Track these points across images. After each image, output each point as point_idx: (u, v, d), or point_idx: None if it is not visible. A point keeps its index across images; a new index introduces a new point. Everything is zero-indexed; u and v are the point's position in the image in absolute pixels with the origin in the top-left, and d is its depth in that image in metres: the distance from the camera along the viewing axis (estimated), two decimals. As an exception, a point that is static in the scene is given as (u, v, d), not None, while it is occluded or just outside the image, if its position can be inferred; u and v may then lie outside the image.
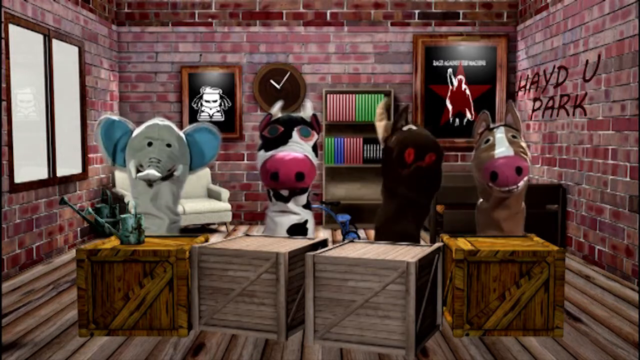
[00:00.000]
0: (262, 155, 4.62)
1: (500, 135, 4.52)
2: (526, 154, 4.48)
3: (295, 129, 4.66)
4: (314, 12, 7.95)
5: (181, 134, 4.67)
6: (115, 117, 4.64)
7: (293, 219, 4.69)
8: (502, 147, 4.45)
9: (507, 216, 4.55)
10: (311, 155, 4.67)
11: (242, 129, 8.04)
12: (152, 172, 4.30)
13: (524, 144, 4.56)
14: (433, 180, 4.60)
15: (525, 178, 4.40)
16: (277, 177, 4.37)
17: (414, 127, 4.74)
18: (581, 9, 6.01)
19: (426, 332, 3.65)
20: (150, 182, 4.39)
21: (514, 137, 4.52)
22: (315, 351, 3.49)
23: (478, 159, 4.56)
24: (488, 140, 4.57)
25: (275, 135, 4.62)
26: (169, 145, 4.49)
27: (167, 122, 4.61)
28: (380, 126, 4.90)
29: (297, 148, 4.58)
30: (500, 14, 7.92)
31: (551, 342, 3.67)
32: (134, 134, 4.57)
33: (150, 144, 4.46)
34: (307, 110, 4.84)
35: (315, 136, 4.75)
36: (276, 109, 4.86)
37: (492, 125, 4.77)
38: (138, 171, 4.50)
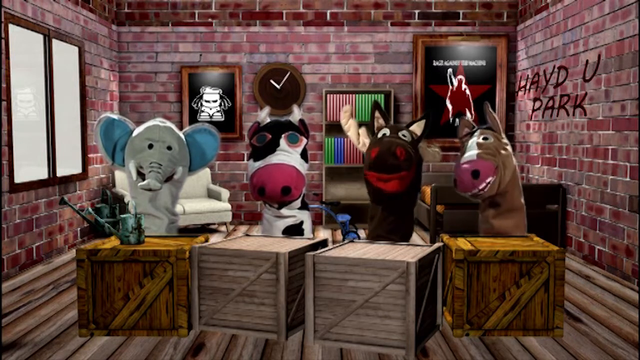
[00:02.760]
0: (252, 165, 4.60)
1: (472, 139, 4.62)
2: (494, 155, 4.45)
3: (283, 135, 4.62)
4: (314, 12, 7.95)
5: (181, 135, 4.65)
6: (115, 116, 4.63)
7: (288, 222, 4.68)
8: (468, 152, 4.56)
9: (496, 213, 4.58)
10: (300, 163, 4.62)
11: (242, 129, 8.04)
12: (154, 182, 4.29)
13: (501, 143, 4.55)
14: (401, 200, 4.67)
15: (490, 179, 4.36)
16: (264, 193, 4.37)
17: (388, 132, 4.76)
18: (581, 9, 6.01)
19: (426, 332, 3.65)
20: (150, 191, 4.38)
21: (485, 138, 4.54)
22: (315, 351, 3.49)
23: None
24: (464, 145, 4.72)
25: (263, 143, 4.59)
26: (169, 148, 4.48)
27: (167, 124, 4.59)
28: (353, 134, 4.94)
29: (285, 157, 4.55)
30: (500, 14, 7.92)
31: (551, 342, 3.67)
32: (134, 134, 4.55)
33: (150, 146, 4.45)
34: (295, 115, 4.81)
35: (304, 141, 4.72)
36: (263, 115, 4.80)
37: (473, 129, 4.81)
38: (138, 172, 4.49)
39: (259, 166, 4.50)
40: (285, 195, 4.39)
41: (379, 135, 4.77)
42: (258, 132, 4.70)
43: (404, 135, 4.72)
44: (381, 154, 4.50)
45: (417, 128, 4.86)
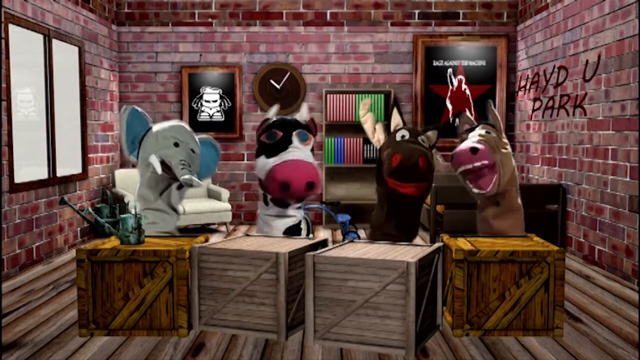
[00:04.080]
0: (264, 162, 4.51)
1: (474, 132, 4.67)
2: (494, 148, 4.48)
3: (294, 133, 4.60)
4: (314, 12, 7.95)
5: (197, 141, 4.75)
6: (139, 109, 4.66)
7: (288, 222, 4.65)
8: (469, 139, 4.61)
9: (496, 214, 4.58)
10: (313, 161, 4.63)
11: (242, 129, 8.04)
12: (195, 179, 4.29)
13: (502, 141, 4.57)
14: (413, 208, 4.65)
15: (486, 161, 4.39)
16: (289, 188, 4.26)
17: (407, 135, 4.68)
18: (581, 9, 6.01)
19: (426, 332, 3.65)
20: (190, 186, 4.37)
21: (487, 132, 4.58)
22: (315, 351, 3.49)
23: None
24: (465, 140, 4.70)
25: (275, 140, 4.56)
26: (192, 151, 4.55)
27: (189, 128, 4.67)
28: (369, 128, 4.87)
29: (301, 154, 4.49)
30: (500, 14, 7.92)
31: (551, 342, 3.67)
32: (156, 129, 4.56)
33: (176, 145, 4.48)
34: (303, 113, 4.79)
35: (312, 140, 4.71)
36: (272, 113, 4.78)
37: (473, 125, 4.83)
38: (167, 167, 4.45)
39: (276, 162, 4.43)
40: (310, 190, 4.30)
41: (398, 136, 4.63)
42: (268, 129, 4.65)
43: (422, 141, 4.62)
44: (404, 164, 4.38)
45: (432, 136, 4.85)
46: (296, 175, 4.25)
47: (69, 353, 3.47)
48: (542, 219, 6.38)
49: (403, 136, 4.63)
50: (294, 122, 4.68)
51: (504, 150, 4.51)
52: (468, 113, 7.98)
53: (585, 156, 5.93)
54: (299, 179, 4.25)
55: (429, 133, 4.83)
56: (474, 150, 4.40)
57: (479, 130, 4.63)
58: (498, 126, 4.65)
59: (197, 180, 4.32)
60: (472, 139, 4.57)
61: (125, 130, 4.59)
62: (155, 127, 4.58)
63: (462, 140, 4.81)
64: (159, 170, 4.40)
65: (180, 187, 4.62)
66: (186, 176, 4.29)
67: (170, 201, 4.57)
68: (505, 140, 4.62)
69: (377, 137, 4.88)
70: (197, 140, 4.74)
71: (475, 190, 4.52)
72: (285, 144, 4.52)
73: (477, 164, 4.41)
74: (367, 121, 4.89)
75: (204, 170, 4.85)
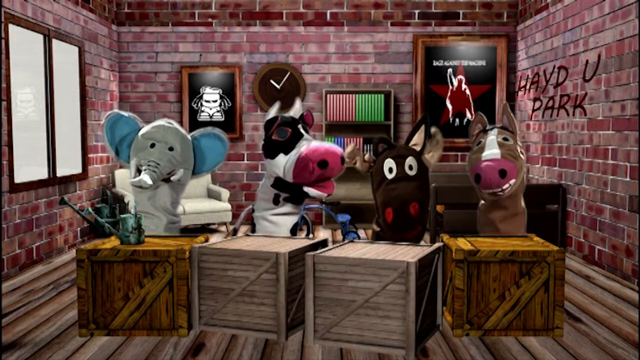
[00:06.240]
0: (284, 158, 4.60)
1: (491, 137, 4.50)
2: (516, 158, 4.41)
3: (299, 127, 4.71)
4: (314, 12, 7.94)
5: (187, 136, 4.67)
6: (125, 113, 4.66)
7: (294, 220, 4.74)
8: (490, 150, 4.43)
9: (503, 217, 4.53)
10: None
11: (242, 129, 8.04)
12: (144, 179, 4.32)
13: (518, 146, 4.50)
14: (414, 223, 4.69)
15: (512, 181, 4.32)
16: (327, 164, 4.49)
17: (394, 166, 4.68)
18: (581, 9, 6.01)
19: (426, 332, 3.65)
20: (140, 187, 4.40)
21: (505, 139, 4.45)
22: (315, 351, 3.49)
23: (469, 161, 4.57)
24: (480, 143, 4.57)
25: (286, 137, 4.65)
26: (171, 149, 4.50)
27: (173, 125, 4.61)
28: (360, 165, 4.93)
29: (316, 141, 4.70)
30: (500, 14, 7.92)
31: (551, 342, 3.67)
32: (140, 133, 4.59)
33: (152, 146, 4.48)
34: (297, 108, 4.87)
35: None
36: (275, 111, 4.86)
37: (487, 127, 4.74)
38: (138, 170, 4.53)
39: (301, 152, 4.55)
40: (342, 165, 4.58)
41: (385, 169, 4.69)
42: (278, 127, 4.73)
43: (410, 167, 4.65)
44: (396, 219, 4.56)
45: (418, 138, 4.83)
46: (330, 152, 4.54)
47: (69, 353, 3.47)
48: (542, 219, 6.38)
49: (390, 169, 4.67)
50: (294, 119, 4.78)
51: (521, 157, 4.46)
52: (468, 113, 7.97)
53: (585, 156, 5.93)
54: (334, 155, 4.54)
55: (414, 139, 4.81)
56: (502, 173, 4.29)
57: (496, 136, 4.49)
58: (514, 130, 4.56)
59: (146, 180, 4.34)
60: (491, 149, 4.43)
61: (107, 138, 4.67)
62: (141, 130, 4.61)
63: (473, 141, 4.70)
64: (132, 174, 4.51)
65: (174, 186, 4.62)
66: (132, 180, 4.35)
67: (156, 203, 4.56)
68: (520, 144, 4.54)
69: (367, 165, 4.93)
70: (189, 135, 4.71)
71: (489, 190, 4.42)
72: (298, 137, 4.64)
73: (506, 186, 4.33)
74: (357, 162, 4.96)
75: (202, 163, 4.80)
